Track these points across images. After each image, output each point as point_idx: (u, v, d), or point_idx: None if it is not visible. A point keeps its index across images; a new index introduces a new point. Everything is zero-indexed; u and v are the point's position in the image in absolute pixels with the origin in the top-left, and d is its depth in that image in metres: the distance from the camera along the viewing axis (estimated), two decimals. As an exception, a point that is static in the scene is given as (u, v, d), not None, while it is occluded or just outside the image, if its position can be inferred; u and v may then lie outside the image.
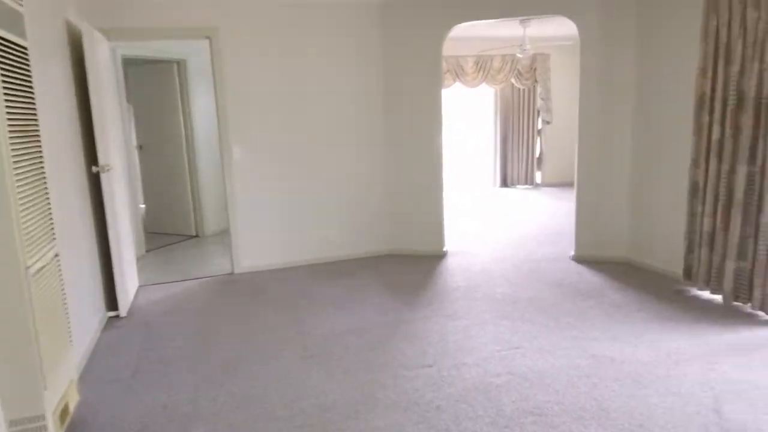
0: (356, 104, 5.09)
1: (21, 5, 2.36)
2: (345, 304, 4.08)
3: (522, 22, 6.58)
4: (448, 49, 7.83)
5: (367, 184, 5.24)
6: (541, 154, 9.68)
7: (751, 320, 3.49)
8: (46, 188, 2.52)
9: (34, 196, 2.35)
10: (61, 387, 2.43)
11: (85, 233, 3.61)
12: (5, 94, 2.12)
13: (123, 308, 3.98)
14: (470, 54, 8.41)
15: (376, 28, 5.00)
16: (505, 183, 9.71)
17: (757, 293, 3.50)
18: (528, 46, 6.98)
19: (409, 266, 4.98)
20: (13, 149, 2.13)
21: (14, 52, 2.27)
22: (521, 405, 2.62)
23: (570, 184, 5.02)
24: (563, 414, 2.53)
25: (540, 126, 9.50)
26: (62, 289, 2.63)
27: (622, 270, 4.62)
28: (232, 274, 4.93)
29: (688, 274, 4.04)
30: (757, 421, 2.41)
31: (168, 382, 3.00)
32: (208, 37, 4.60)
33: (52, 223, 2.56)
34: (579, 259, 4.93)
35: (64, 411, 2.45)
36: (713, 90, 3.68)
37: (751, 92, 3.42)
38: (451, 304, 3.99)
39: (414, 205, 5.26)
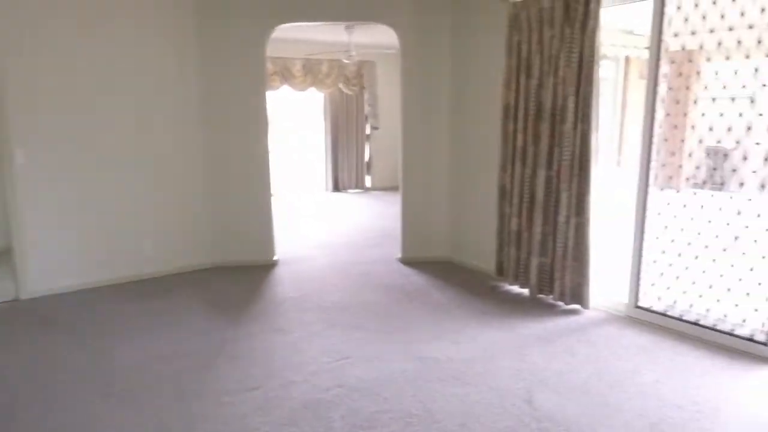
0: (172, 100, 4.60)
1: None
2: (158, 327, 3.65)
3: (347, 28, 6.62)
4: (276, 50, 7.60)
5: (186, 191, 4.78)
6: (370, 158, 9.91)
7: (553, 311, 3.85)
8: None
9: None
10: None
11: None
12: None
13: None
14: (298, 57, 8.27)
15: (191, 19, 4.58)
16: (336, 187, 9.75)
17: (557, 286, 3.88)
18: (354, 53, 7.05)
19: (235, 279, 4.66)
20: None
21: None
22: (351, 419, 2.53)
23: (398, 188, 5.12)
24: (392, 423, 2.50)
25: (368, 131, 9.72)
26: None
27: (445, 269, 4.85)
28: (17, 300, 4.14)
29: (500, 270, 4.35)
30: (563, 407, 2.61)
31: None
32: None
33: None
34: (406, 260, 5.07)
35: None
36: (517, 101, 4.00)
37: (547, 103, 3.77)
38: (280, 318, 3.80)
39: (240, 213, 4.95)
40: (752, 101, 3.06)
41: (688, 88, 3.66)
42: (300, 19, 4.78)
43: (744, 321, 3.19)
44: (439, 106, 4.85)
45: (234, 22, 4.65)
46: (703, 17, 3.12)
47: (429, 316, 3.79)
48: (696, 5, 3.13)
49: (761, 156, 3.05)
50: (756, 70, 2.98)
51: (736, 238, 3.28)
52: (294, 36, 7.51)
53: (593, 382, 2.84)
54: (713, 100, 3.24)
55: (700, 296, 3.41)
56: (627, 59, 6.45)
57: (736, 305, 3.23)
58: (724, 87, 3.12)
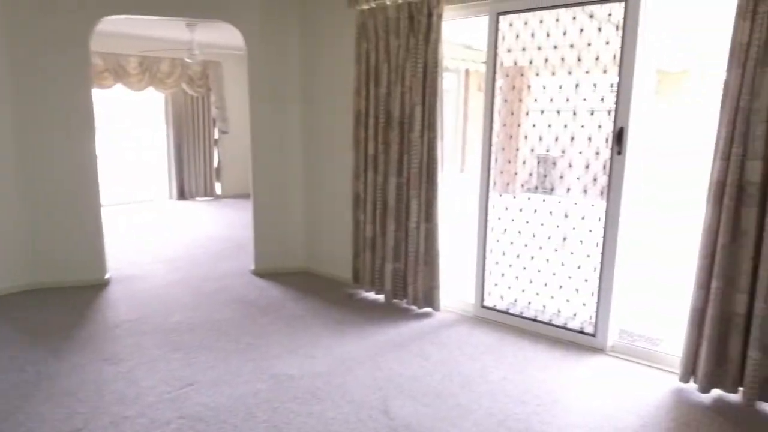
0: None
1: None
2: (-46, 367, 3.03)
3: (188, 25, 6.19)
4: (107, 45, 6.88)
5: (-9, 204, 4.07)
6: (219, 164, 9.41)
7: (406, 315, 3.91)
8: None
9: None
10: None
11: None
12: None
13: None
14: (133, 53, 7.56)
15: (-7, 5, 3.91)
16: (182, 195, 9.09)
17: (410, 290, 3.94)
18: (197, 51, 6.62)
19: (57, 303, 4.06)
20: None
21: None
22: (195, 454, 2.29)
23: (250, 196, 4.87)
24: (242, 453, 2.30)
25: (217, 136, 9.22)
26: None
27: (302, 280, 4.71)
28: None
29: (357, 277, 4.33)
30: (418, 413, 2.62)
31: None
32: None
33: None
34: (260, 272, 4.83)
35: None
36: (367, 108, 4.01)
37: (396, 112, 3.82)
38: (112, 344, 3.37)
39: (63, 226, 4.33)
40: (575, 114, 3.37)
41: (520, 100, 3.94)
42: (130, 12, 4.32)
43: (575, 315, 3.50)
44: (290, 111, 4.70)
45: (50, 10, 4.06)
46: (532, 35, 3.37)
47: (284, 330, 3.62)
48: (525, 23, 3.38)
49: (583, 164, 3.38)
50: (577, 85, 3.29)
51: (564, 239, 3.59)
52: (128, 31, 6.86)
53: (446, 384, 2.91)
54: (542, 112, 3.52)
55: (537, 294, 3.68)
56: (467, 72, 6.89)
57: (568, 301, 3.54)
58: (551, 100, 3.41)
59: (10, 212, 4.16)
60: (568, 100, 3.33)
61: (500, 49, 3.50)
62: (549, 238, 3.64)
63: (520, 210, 3.72)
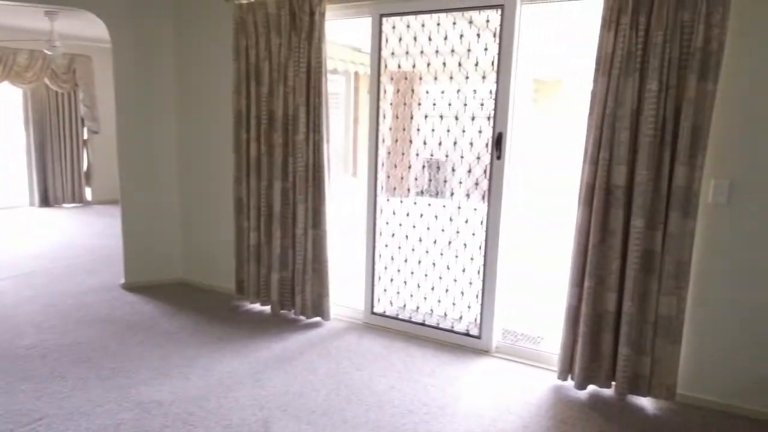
0: None
1: None
2: None
3: (48, 13, 5.55)
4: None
5: None
6: (89, 167, 8.59)
7: (294, 326, 3.73)
8: None
9: None
10: None
11: None
12: None
13: None
14: (-18, 42, 6.67)
15: None
16: (46, 201, 8.18)
17: (298, 300, 3.77)
18: (58, 43, 5.96)
19: None
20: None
21: None
22: (36, 507, 1.96)
23: (122, 202, 4.42)
24: (96, 498, 2.01)
25: (86, 136, 8.41)
26: None
27: (179, 293, 4.35)
28: None
29: (241, 288, 4.07)
30: (300, 433, 2.47)
31: None
32: None
33: None
34: (130, 286, 4.40)
35: None
36: (248, 108, 3.78)
37: (279, 112, 3.64)
38: (-60, 380, 2.86)
39: None
40: (457, 119, 3.39)
41: (405, 104, 3.93)
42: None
43: (460, 318, 3.53)
44: (164, 110, 4.33)
45: None
46: (415, 39, 3.35)
47: (155, 350, 3.29)
48: (408, 26, 3.35)
49: (466, 168, 3.42)
50: (458, 90, 3.31)
51: (449, 242, 3.61)
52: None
53: (332, 399, 2.78)
54: (425, 117, 3.52)
55: (425, 298, 3.67)
56: (357, 75, 6.85)
57: (454, 304, 3.56)
58: (434, 105, 3.41)
59: None
60: (450, 105, 3.35)
61: (384, 51, 3.44)
62: (435, 242, 3.64)
63: (407, 214, 3.69)
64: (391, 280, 3.75)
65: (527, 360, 3.26)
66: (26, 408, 2.60)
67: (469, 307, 3.49)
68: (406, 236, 3.70)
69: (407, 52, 3.43)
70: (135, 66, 4.19)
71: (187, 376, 2.97)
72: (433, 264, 3.65)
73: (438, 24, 3.28)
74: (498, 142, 3.13)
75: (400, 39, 3.40)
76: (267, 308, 3.98)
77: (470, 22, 3.20)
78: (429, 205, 3.68)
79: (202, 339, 3.47)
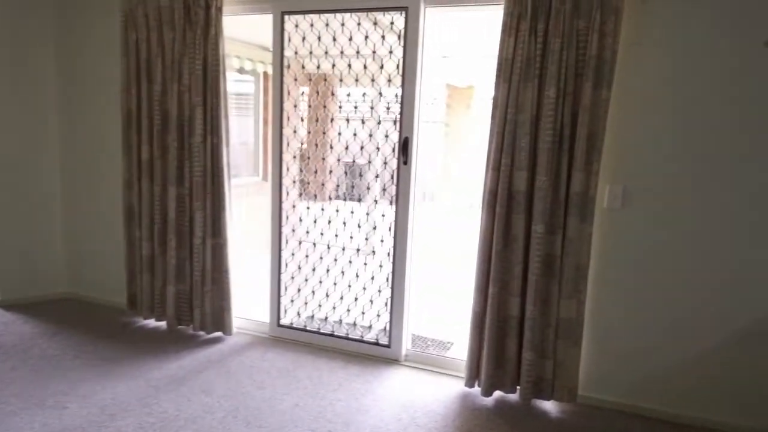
0: None
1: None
2: None
3: None
4: None
5: None
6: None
7: (193, 343, 3.47)
8: None
9: None
10: None
11: None
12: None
13: None
14: None
15: None
16: None
17: (197, 314, 3.51)
18: None
19: None
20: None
21: None
22: None
23: None
24: None
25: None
26: None
27: (63, 310, 3.94)
28: None
29: (133, 303, 3.75)
30: (190, 463, 2.26)
31: None
32: None
33: None
34: (6, 304, 3.94)
35: None
36: (139, 108, 3.49)
37: (173, 112, 3.38)
38: None
39: None
40: (363, 122, 3.30)
41: (325, 107, 3.78)
42: None
43: (370, 327, 3.43)
44: (43, 108, 3.92)
45: None
46: (318, 38, 3.22)
47: (29, 376, 2.93)
48: (312, 25, 3.21)
49: (373, 173, 3.33)
50: (364, 94, 3.22)
51: (358, 250, 3.51)
52: None
53: (229, 422, 2.58)
54: (331, 120, 3.40)
55: (334, 308, 3.54)
56: (266, 75, 6.60)
57: (363, 313, 3.45)
58: (340, 108, 3.30)
59: None
60: (356, 107, 3.25)
61: (287, 50, 3.28)
62: (343, 250, 3.53)
63: (315, 221, 3.55)
64: (299, 290, 3.59)
65: (436, 367, 3.22)
66: None
67: (378, 315, 3.40)
68: (314, 244, 3.56)
69: (311, 52, 3.29)
70: (8, 55, 3.74)
71: (64, 405, 2.65)
72: (342, 272, 3.53)
73: (342, 24, 3.16)
74: (404, 147, 3.06)
75: (304, 38, 3.25)
76: (162, 324, 3.69)
77: (375, 23, 3.12)
78: (352, 212, 3.52)
79: (87, 361, 3.13)
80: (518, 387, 2.86)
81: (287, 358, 3.29)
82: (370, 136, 3.30)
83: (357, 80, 3.19)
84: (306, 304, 3.59)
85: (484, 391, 2.85)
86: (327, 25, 3.20)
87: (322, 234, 3.55)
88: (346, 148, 3.38)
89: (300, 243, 3.55)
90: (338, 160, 3.60)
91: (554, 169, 2.62)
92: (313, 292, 3.57)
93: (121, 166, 3.61)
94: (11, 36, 3.73)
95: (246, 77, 6.02)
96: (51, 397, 2.73)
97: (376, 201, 3.34)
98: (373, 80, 3.16)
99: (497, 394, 2.91)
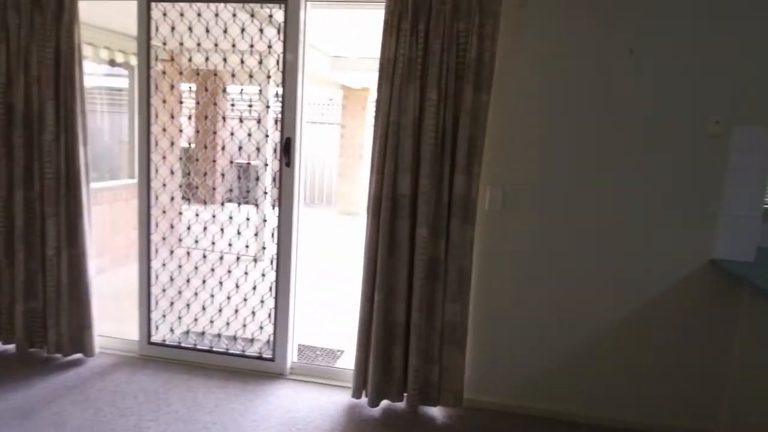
0: None
1: None
2: None
3: None
4: None
5: None
6: None
7: (47, 367, 3.06)
8: None
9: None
10: None
11: None
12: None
13: None
14: None
15: None
16: None
17: (51, 335, 3.09)
18: None
19: None
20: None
21: None
22: None
23: None
24: None
25: None
26: None
27: None
28: None
29: (-28, 326, 3.24)
30: None
31: None
32: None
33: None
34: None
35: None
36: (-23, 100, 3.01)
37: (19, 106, 2.95)
38: None
39: None
40: (241, 121, 3.08)
41: (216, 104, 3.49)
42: None
43: (252, 340, 3.21)
44: None
45: None
46: (190, 29, 2.96)
47: None
48: (182, 14, 2.95)
49: (253, 175, 3.12)
50: (241, 91, 3.00)
51: (238, 258, 3.28)
52: None
53: (83, 459, 2.26)
54: (205, 118, 3.15)
55: (212, 322, 3.28)
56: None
57: (245, 325, 3.23)
58: (215, 105, 3.06)
59: None
60: (233, 105, 3.03)
61: (154, 41, 2.99)
62: (221, 258, 3.28)
63: (188, 228, 3.27)
64: (171, 303, 3.28)
65: (324, 379, 3.08)
66: None
67: (261, 327, 3.19)
68: (188, 252, 3.27)
69: (181, 43, 3.02)
70: None
71: None
72: (221, 282, 3.28)
73: (216, 15, 2.93)
74: (287, 148, 2.89)
75: (173, 29, 2.97)
76: (11, 347, 3.22)
77: (252, 15, 2.92)
78: (230, 218, 3.25)
79: None
80: (405, 394, 2.79)
81: (158, 379, 2.99)
82: (249, 135, 3.09)
83: (251, 77, 2.96)
84: (180, 318, 3.30)
85: (371, 402, 2.75)
86: (199, 15, 2.95)
87: (196, 241, 3.27)
88: (223, 148, 3.14)
89: (171, 252, 3.25)
90: (231, 162, 3.34)
91: (437, 172, 2.58)
92: (188, 305, 3.29)
93: (-45, 167, 3.10)
94: None
95: (119, 71, 5.51)
96: None
97: (257, 204, 3.13)
98: (251, 76, 2.96)
99: (384, 403, 2.83)
